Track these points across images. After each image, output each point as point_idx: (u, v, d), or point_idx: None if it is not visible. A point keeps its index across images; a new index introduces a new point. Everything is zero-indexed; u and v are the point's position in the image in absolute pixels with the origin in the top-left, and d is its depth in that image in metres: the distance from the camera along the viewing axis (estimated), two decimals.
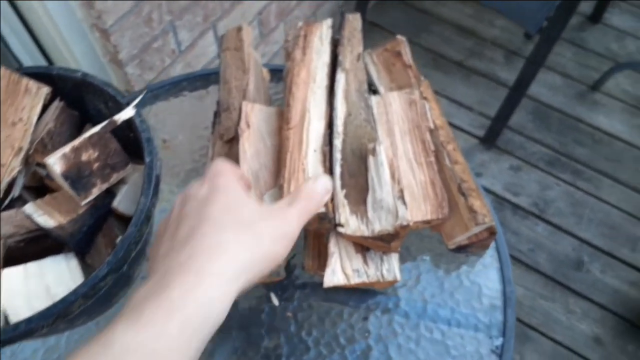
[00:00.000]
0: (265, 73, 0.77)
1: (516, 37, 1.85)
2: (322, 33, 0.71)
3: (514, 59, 1.82)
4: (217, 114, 0.70)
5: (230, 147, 0.66)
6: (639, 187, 1.55)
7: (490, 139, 1.63)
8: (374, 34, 1.88)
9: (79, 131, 0.63)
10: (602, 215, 1.50)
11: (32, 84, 0.57)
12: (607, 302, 1.37)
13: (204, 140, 0.75)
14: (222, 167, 0.42)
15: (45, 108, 0.60)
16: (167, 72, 1.16)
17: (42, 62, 0.99)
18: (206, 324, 0.31)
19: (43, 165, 0.56)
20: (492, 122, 1.61)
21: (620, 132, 1.65)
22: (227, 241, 0.34)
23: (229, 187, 0.39)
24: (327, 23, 0.72)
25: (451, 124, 1.66)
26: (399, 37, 0.73)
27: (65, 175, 0.51)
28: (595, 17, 1.89)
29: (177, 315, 0.30)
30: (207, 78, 0.82)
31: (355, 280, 0.56)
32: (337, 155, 0.60)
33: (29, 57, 0.97)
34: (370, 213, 0.56)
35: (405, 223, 0.53)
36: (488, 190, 1.56)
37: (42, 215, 0.54)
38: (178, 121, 0.77)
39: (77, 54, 0.98)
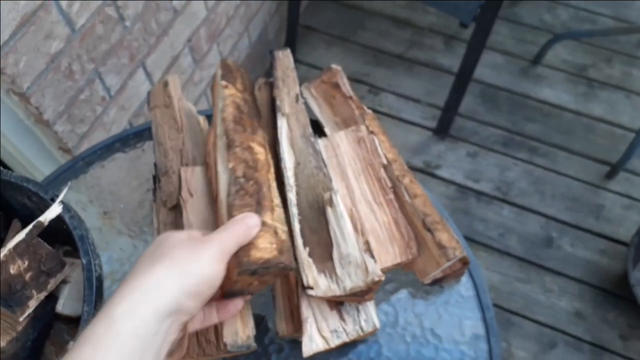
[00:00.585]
0: (203, 122, 0.72)
1: (453, 22, 1.84)
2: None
3: (454, 44, 1.81)
4: (156, 179, 0.65)
5: (176, 214, 0.62)
6: (593, 155, 1.58)
7: (443, 129, 1.62)
8: (309, 37, 1.84)
9: (6, 228, 0.58)
10: (563, 188, 1.52)
11: None
12: (582, 275, 1.38)
13: (147, 204, 0.70)
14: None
15: None
16: (100, 120, 1.09)
17: None
18: (141, 342, 0.36)
19: None
20: (442, 112, 1.60)
21: (567, 102, 1.67)
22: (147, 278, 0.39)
23: (164, 235, 0.44)
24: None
25: (402, 119, 1.65)
26: (333, 66, 0.69)
27: None
28: None
29: (113, 328, 0.35)
30: (140, 135, 0.76)
31: (335, 342, 0.53)
32: (294, 210, 0.56)
33: None
34: (338, 270, 0.53)
35: (376, 278, 0.50)
36: (449, 181, 1.55)
37: None
38: (117, 188, 0.72)
39: None
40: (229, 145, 0.52)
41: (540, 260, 1.41)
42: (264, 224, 0.46)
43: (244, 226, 0.44)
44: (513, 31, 1.83)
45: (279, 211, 0.49)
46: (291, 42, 1.76)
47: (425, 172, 1.57)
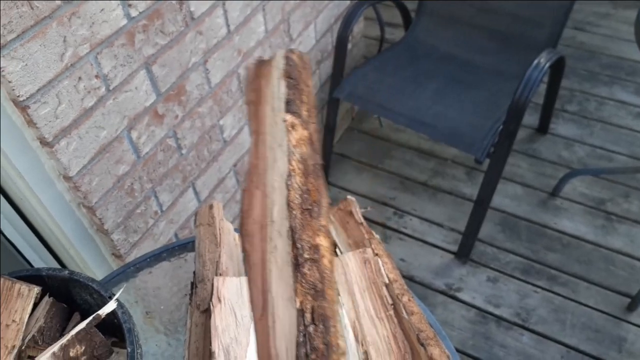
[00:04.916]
0: (237, 239, 0.84)
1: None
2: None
3: (475, 174, 1.95)
4: (193, 285, 0.76)
5: (206, 317, 0.72)
6: (613, 286, 1.61)
7: (464, 253, 1.70)
8: (342, 164, 2.02)
9: (67, 320, 0.69)
10: (584, 318, 1.54)
11: (24, 288, 0.63)
12: None
13: (183, 307, 0.81)
14: None
15: (35, 304, 0.66)
16: (150, 232, 1.24)
17: (35, 241, 1.06)
18: None
19: (34, 358, 0.61)
20: (463, 237, 1.70)
21: (585, 233, 1.74)
22: None
23: None
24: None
25: (425, 242, 1.74)
26: (349, 197, 0.82)
27: None
28: (543, 129, 2.06)
29: None
30: (184, 247, 0.89)
31: None
32: None
33: (23, 239, 1.05)
34: None
35: None
36: (470, 305, 1.60)
37: None
38: (159, 291, 0.84)
39: (65, 230, 1.06)
40: (297, 262, 0.32)
41: None
42: None
43: None
44: (532, 165, 1.96)
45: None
46: (325, 168, 1.94)
47: (447, 294, 1.63)
